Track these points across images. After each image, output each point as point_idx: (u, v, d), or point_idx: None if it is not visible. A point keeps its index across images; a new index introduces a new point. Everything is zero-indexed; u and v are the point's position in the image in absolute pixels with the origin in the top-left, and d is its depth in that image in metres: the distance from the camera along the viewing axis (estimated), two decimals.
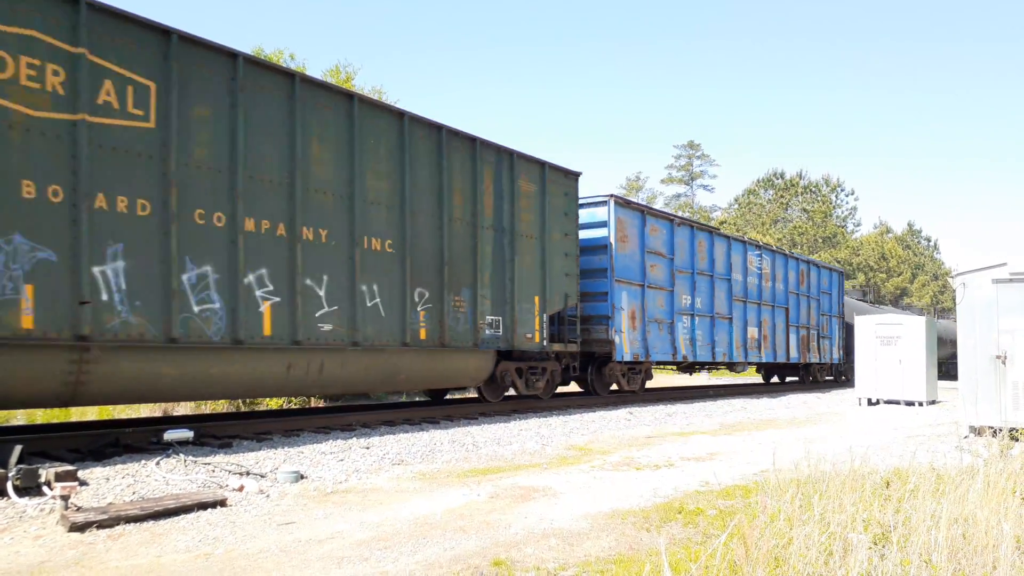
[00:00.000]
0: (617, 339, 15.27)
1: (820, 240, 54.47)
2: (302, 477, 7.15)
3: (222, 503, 6.02)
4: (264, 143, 9.35)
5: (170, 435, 8.29)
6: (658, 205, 56.47)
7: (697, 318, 18.22)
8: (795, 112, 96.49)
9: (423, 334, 11.32)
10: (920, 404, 17.25)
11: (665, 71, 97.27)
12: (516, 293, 13.01)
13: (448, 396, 16.17)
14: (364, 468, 7.80)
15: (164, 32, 8.34)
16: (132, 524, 5.38)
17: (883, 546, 4.36)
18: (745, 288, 20.49)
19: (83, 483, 6.36)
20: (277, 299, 9.38)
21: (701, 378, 31.06)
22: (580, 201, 14.99)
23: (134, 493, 6.26)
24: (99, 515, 5.36)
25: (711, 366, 21.48)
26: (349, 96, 10.52)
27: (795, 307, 23.29)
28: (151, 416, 13.35)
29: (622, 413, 13.83)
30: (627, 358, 15.68)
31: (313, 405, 16.04)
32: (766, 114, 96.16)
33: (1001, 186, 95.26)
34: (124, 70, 8.01)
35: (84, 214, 7.56)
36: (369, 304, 10.52)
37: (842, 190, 60.31)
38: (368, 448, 8.78)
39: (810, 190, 58.14)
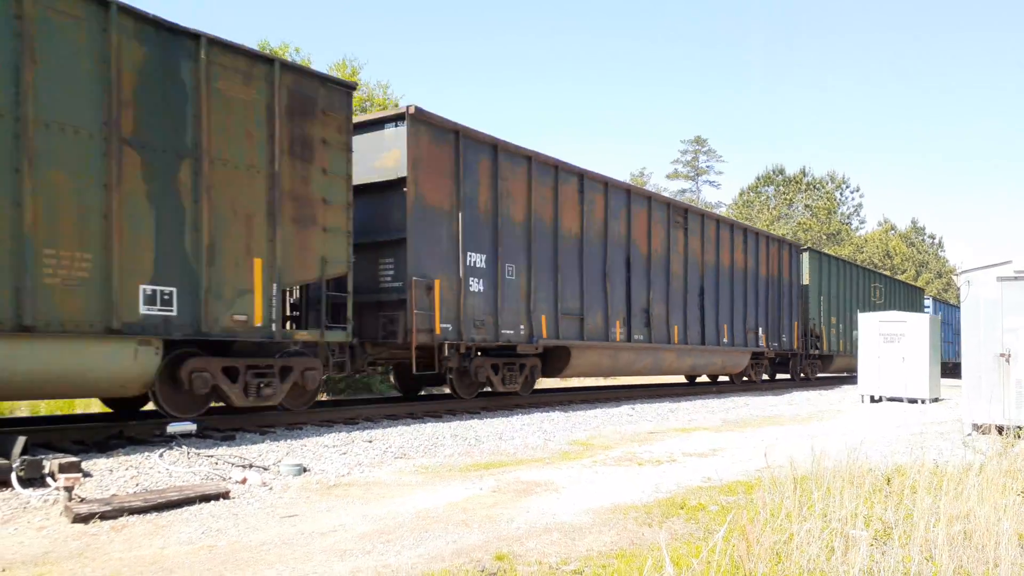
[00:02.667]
0: None
1: (824, 237, 54.33)
2: (305, 470, 7.17)
3: (225, 495, 6.04)
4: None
5: (173, 428, 8.32)
6: None
7: None
8: (802, 108, 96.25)
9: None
10: (923, 401, 17.23)
11: (671, 67, 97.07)
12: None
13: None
14: (367, 461, 7.82)
15: None
16: (135, 515, 5.41)
17: (884, 543, 4.37)
18: None
19: (87, 474, 6.39)
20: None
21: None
22: None
23: (137, 485, 6.29)
24: (103, 506, 5.38)
25: None
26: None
27: None
28: (154, 408, 13.39)
29: (624, 409, 13.84)
30: None
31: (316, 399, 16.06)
32: (772, 110, 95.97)
33: (1006, 184, 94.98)
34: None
35: None
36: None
37: (847, 186, 60.16)
38: (371, 442, 8.81)
39: (814, 186, 57.96)
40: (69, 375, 7.53)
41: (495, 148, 12.41)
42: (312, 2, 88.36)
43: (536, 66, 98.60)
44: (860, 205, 61.37)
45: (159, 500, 5.66)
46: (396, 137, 11.02)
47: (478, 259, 12.01)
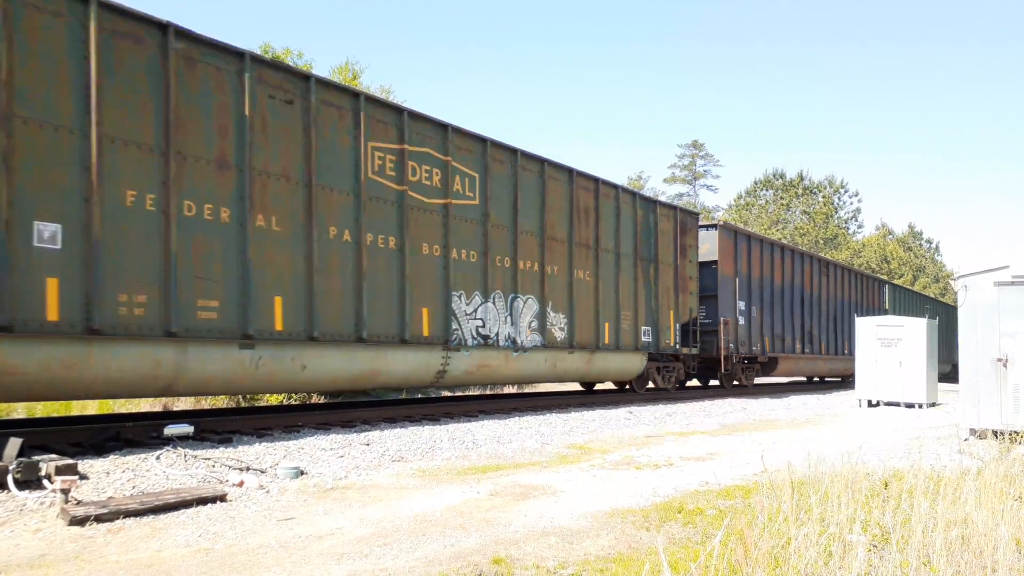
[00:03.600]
0: None
1: (822, 241, 54.39)
2: (302, 473, 7.16)
3: (222, 498, 6.03)
4: None
5: (170, 430, 8.31)
6: None
7: None
8: (799, 112, 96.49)
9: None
10: (920, 406, 17.25)
11: (669, 70, 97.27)
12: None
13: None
14: (364, 464, 7.81)
15: None
16: (132, 518, 5.39)
17: (882, 548, 4.37)
18: None
19: (83, 477, 6.37)
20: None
21: None
22: None
23: (134, 487, 6.27)
24: (99, 509, 5.37)
25: None
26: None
27: None
28: (151, 411, 13.38)
29: (622, 412, 13.83)
30: None
31: (313, 401, 16.06)
32: (770, 114, 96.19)
33: (1003, 187, 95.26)
34: None
35: None
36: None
37: (845, 191, 60.19)
38: (368, 445, 8.79)
39: (811, 191, 58.00)
40: (623, 369, 16.14)
41: (748, 237, 21.24)
42: (314, 6, 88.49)
43: (534, 68, 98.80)
44: (859, 210, 61.36)
45: (156, 503, 5.64)
46: (709, 236, 19.64)
47: (742, 304, 20.31)
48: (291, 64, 9.86)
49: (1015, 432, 9.60)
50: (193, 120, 8.54)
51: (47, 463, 6.11)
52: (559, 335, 14.00)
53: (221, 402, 15.09)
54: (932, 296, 43.91)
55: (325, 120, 9.96)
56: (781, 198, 57.34)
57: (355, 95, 10.42)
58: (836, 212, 58.67)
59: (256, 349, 9.13)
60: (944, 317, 38.02)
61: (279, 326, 9.36)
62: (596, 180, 15.06)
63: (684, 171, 64.38)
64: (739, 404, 17.19)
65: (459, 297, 11.92)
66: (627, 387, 17.96)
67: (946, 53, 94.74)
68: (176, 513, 5.60)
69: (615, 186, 15.67)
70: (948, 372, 34.49)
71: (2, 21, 7.08)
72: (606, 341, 15.20)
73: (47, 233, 7.40)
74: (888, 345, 17.76)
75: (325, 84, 10.10)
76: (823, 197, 57.94)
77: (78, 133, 7.60)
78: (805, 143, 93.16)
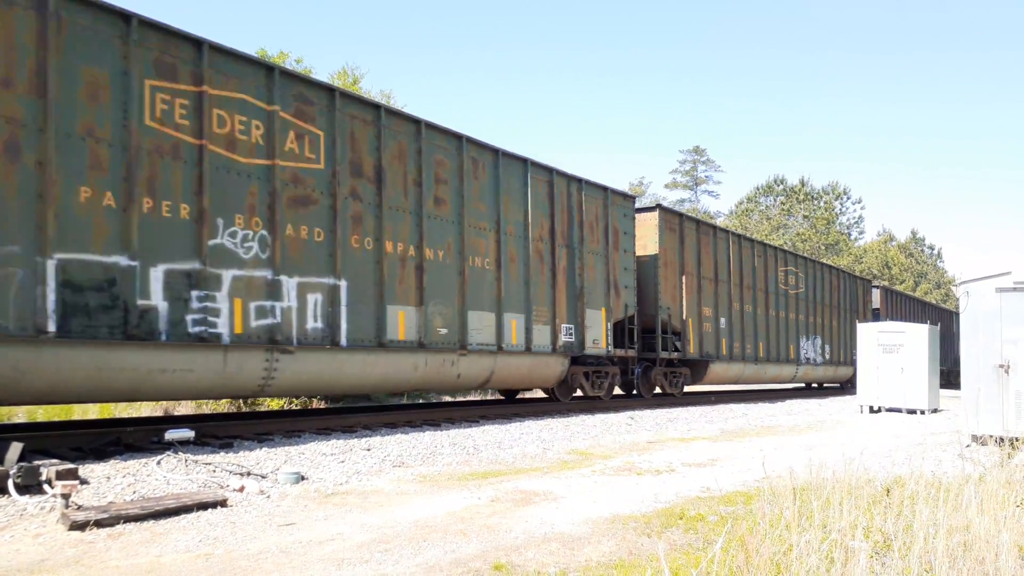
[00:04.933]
0: None
1: (823, 247, 54.35)
2: (303, 478, 7.16)
3: (223, 503, 6.02)
4: None
5: (171, 435, 8.30)
6: None
7: None
8: (801, 119, 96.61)
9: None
10: (922, 412, 17.21)
11: (671, 76, 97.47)
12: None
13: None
14: (365, 470, 7.80)
15: None
16: (132, 523, 5.39)
17: (884, 554, 4.36)
18: None
19: (84, 482, 6.37)
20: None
21: None
22: None
23: (135, 492, 6.27)
24: (100, 514, 5.37)
25: None
26: None
27: None
28: (152, 415, 13.37)
29: (623, 418, 13.81)
30: None
31: (315, 406, 16.06)
32: (772, 121, 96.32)
33: (1006, 193, 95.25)
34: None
35: None
36: None
37: (848, 197, 60.15)
38: (369, 450, 8.79)
39: (811, 197, 57.97)
40: (844, 375, 27.93)
41: (898, 294, 33.34)
42: (312, 11, 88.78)
43: (536, 74, 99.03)
44: (861, 217, 61.33)
45: (156, 508, 5.64)
46: (875, 292, 31.19)
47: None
48: (758, 238, 20.12)
49: (1017, 438, 9.58)
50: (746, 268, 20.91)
51: (48, 468, 6.11)
52: (827, 355, 26.00)
53: (222, 407, 15.09)
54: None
55: (776, 264, 22.80)
56: (783, 204, 57.32)
57: (804, 258, 25.05)
58: (837, 218, 58.62)
59: (756, 364, 21.18)
60: None
61: (761, 354, 21.41)
62: (838, 269, 27.75)
63: (686, 177, 64.51)
64: (739, 410, 17.16)
65: (802, 338, 24.05)
66: (827, 387, 29.37)
67: (949, 61, 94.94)
68: (177, 518, 5.59)
69: (841, 269, 28.30)
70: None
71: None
72: (841, 358, 26.98)
73: (723, 323, 19.40)
74: (890, 351, 17.72)
75: (781, 250, 23.64)
76: (825, 203, 57.92)
77: (715, 280, 19.58)
78: (807, 150, 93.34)
